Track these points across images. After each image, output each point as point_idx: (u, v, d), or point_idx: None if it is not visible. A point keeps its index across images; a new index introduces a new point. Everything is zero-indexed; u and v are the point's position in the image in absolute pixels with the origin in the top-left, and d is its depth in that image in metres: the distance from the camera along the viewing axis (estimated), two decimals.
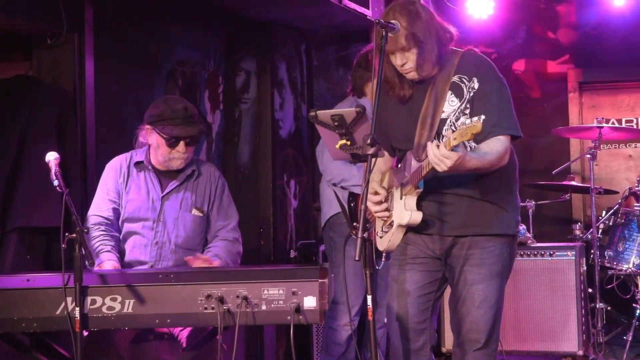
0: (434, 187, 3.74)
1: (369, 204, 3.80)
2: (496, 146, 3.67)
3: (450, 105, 3.76)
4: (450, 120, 3.75)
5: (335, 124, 3.51)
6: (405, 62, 3.72)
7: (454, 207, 3.77)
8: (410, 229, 3.82)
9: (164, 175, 4.70)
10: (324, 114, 3.54)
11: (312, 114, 3.57)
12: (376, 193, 3.83)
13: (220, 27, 7.14)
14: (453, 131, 3.67)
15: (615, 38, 8.08)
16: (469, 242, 3.79)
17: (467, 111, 3.74)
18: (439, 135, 3.74)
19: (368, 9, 7.09)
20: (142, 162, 4.69)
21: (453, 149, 3.39)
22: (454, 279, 3.84)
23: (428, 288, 3.88)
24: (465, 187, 3.75)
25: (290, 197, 7.85)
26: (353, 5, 6.93)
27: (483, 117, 3.32)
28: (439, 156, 3.41)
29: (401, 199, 3.78)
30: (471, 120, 3.35)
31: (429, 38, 3.72)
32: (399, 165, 3.92)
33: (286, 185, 7.78)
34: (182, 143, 4.57)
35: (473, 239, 3.78)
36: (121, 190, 4.66)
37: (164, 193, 4.65)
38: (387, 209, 3.85)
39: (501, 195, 3.83)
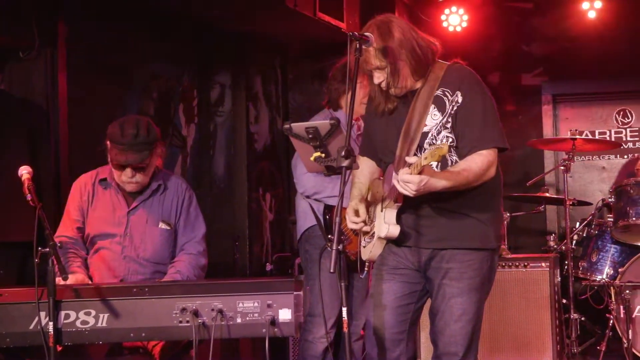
0: (413, 200, 3.71)
1: (347, 222, 3.82)
2: (476, 161, 3.67)
3: (433, 119, 3.75)
4: (432, 134, 3.74)
5: (310, 136, 3.52)
6: (381, 79, 3.73)
7: (433, 220, 3.77)
8: (390, 240, 3.82)
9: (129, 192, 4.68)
10: (298, 126, 3.55)
11: (287, 126, 3.57)
12: (357, 212, 3.80)
13: (194, 40, 7.13)
14: (434, 144, 3.69)
15: (588, 51, 8.16)
16: (448, 255, 3.77)
17: (449, 125, 3.73)
18: (420, 148, 3.73)
19: (343, 22, 7.12)
20: (106, 179, 4.68)
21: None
22: (433, 292, 3.83)
23: (407, 299, 3.87)
24: (445, 201, 3.73)
25: (266, 210, 7.84)
26: (327, 19, 6.95)
27: (450, 140, 3.36)
28: (401, 181, 3.43)
29: (382, 211, 3.78)
30: (440, 142, 3.43)
31: (401, 56, 3.72)
32: (382, 177, 3.93)
33: (262, 198, 7.77)
34: (128, 169, 4.52)
35: (452, 252, 3.77)
36: (85, 208, 4.63)
37: (130, 208, 4.63)
38: (364, 222, 3.82)
39: (482, 208, 3.82)
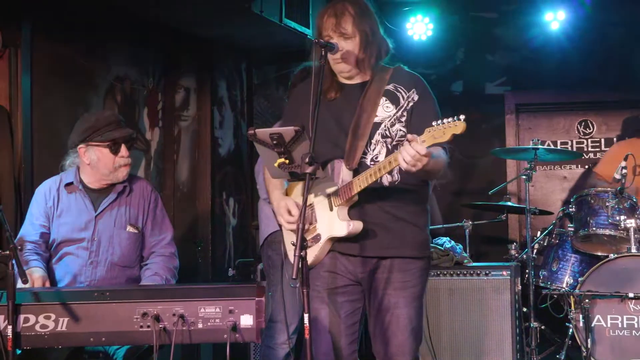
0: (358, 205, 3.72)
1: (283, 222, 3.78)
2: (441, 154, 3.68)
3: (385, 110, 3.77)
4: (385, 126, 3.75)
5: (274, 142, 3.52)
6: (342, 49, 3.73)
7: (377, 226, 3.74)
8: (334, 246, 3.77)
9: (95, 194, 4.65)
10: (263, 132, 3.54)
11: (251, 132, 3.56)
12: (289, 211, 3.74)
13: (159, 43, 7.11)
14: (386, 136, 3.70)
15: (551, 62, 8.24)
16: (390, 265, 3.76)
17: (404, 119, 3.76)
18: (371, 139, 3.73)
19: (309, 28, 7.14)
20: (72, 183, 4.65)
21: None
22: (377, 303, 3.80)
23: (353, 318, 3.85)
24: (389, 206, 3.74)
25: (229, 215, 7.83)
26: (293, 25, 6.97)
27: (463, 116, 3.32)
28: (417, 156, 3.37)
29: (332, 210, 3.73)
30: (453, 119, 3.33)
31: (372, 35, 3.77)
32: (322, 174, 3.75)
33: (225, 203, 7.75)
34: (123, 147, 4.58)
35: (394, 261, 3.76)
36: (51, 214, 4.60)
37: (98, 212, 4.60)
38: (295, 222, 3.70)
39: (419, 215, 3.85)
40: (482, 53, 8.59)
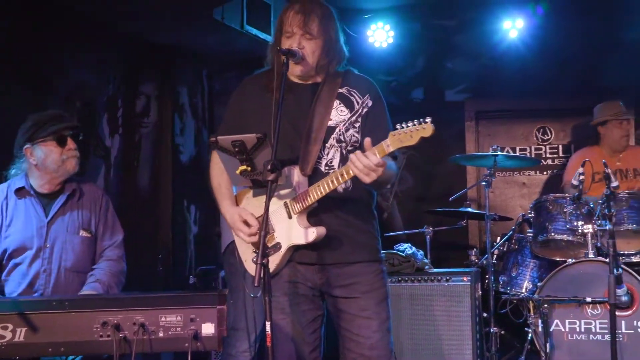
0: (313, 212, 3.72)
1: (240, 234, 3.76)
2: (392, 166, 3.70)
3: (340, 114, 3.77)
4: (340, 130, 3.76)
5: (236, 149, 3.51)
6: (303, 47, 3.73)
7: (335, 234, 3.73)
8: (293, 255, 3.76)
9: (46, 199, 4.62)
10: (225, 139, 3.53)
11: (213, 139, 3.55)
12: (247, 222, 3.72)
13: (119, 50, 7.06)
14: (341, 141, 3.70)
15: (510, 69, 8.32)
16: (350, 270, 3.76)
17: (357, 125, 3.77)
18: (325, 143, 3.73)
19: (270, 35, 7.13)
20: (22, 187, 4.61)
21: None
22: (344, 308, 3.79)
23: (314, 326, 3.85)
24: (345, 214, 3.75)
25: (190, 223, 7.79)
26: (255, 32, 6.96)
27: (429, 119, 3.31)
28: (372, 166, 3.37)
29: (290, 217, 3.72)
30: (419, 121, 3.31)
31: (335, 42, 3.80)
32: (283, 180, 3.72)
33: (186, 210, 7.72)
34: (69, 139, 4.59)
35: (353, 266, 3.76)
36: (1, 222, 4.56)
37: (49, 218, 4.57)
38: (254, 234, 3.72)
39: (370, 220, 3.86)
40: (442, 60, 8.65)
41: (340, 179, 3.54)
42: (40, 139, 4.53)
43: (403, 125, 3.36)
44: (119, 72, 7.13)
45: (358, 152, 3.41)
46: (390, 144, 3.36)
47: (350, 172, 3.48)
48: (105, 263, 4.67)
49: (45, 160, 4.54)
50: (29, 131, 4.55)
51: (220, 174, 3.87)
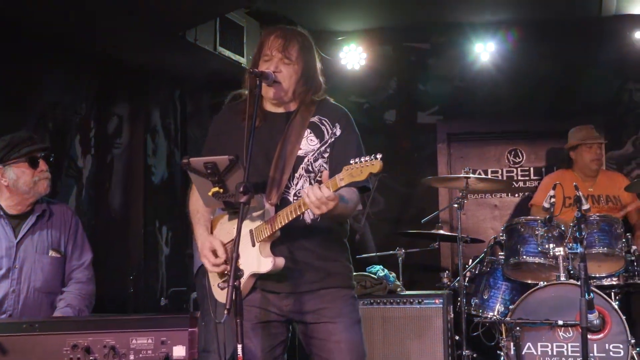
0: (279, 241, 3.70)
1: (206, 262, 3.73)
2: (353, 196, 3.68)
3: (310, 144, 3.77)
4: (308, 160, 3.75)
5: (208, 171, 3.51)
6: (280, 71, 3.73)
7: (300, 264, 3.72)
8: (261, 283, 3.74)
9: (16, 220, 4.61)
10: (197, 161, 3.53)
11: (185, 161, 3.55)
12: (215, 252, 3.70)
13: (92, 70, 7.04)
14: (309, 171, 3.71)
15: (482, 91, 8.39)
16: (319, 297, 3.75)
17: (326, 155, 3.77)
18: (294, 172, 3.73)
19: (243, 56, 7.16)
20: None
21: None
22: (314, 334, 3.78)
23: (276, 352, 3.82)
24: (314, 241, 3.74)
25: (162, 244, 7.75)
26: (228, 53, 6.98)
27: (380, 155, 3.31)
28: (323, 199, 3.37)
29: (254, 245, 3.70)
30: (370, 157, 3.31)
31: (313, 70, 3.81)
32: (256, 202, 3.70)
33: (158, 231, 7.68)
34: (42, 161, 4.60)
35: (321, 292, 3.75)
36: None
37: (18, 238, 4.55)
38: (225, 262, 3.70)
39: (340, 251, 3.85)
40: (414, 83, 8.69)
41: (298, 210, 3.53)
42: (12, 161, 4.52)
43: (357, 160, 3.35)
44: (92, 93, 7.10)
45: (315, 184, 3.42)
46: (344, 177, 3.36)
47: (305, 205, 3.47)
48: (74, 286, 4.65)
49: (17, 181, 4.53)
50: (1, 152, 4.54)
51: (197, 199, 3.86)
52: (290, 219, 3.56)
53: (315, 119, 3.81)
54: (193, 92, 8.21)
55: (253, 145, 3.52)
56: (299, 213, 3.54)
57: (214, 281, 3.86)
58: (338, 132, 3.80)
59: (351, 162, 3.36)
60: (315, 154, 3.76)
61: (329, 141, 3.78)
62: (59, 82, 6.68)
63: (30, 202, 4.63)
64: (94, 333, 3.58)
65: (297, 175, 3.74)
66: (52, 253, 4.62)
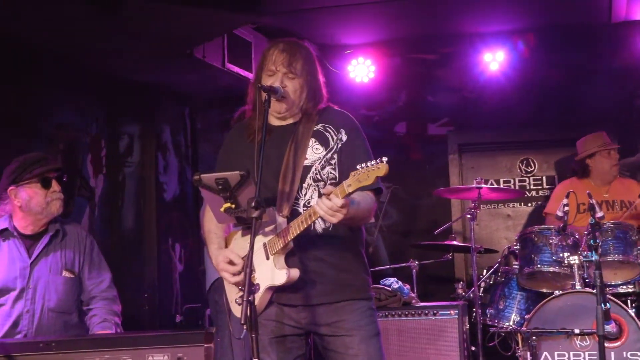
0: (296, 253, 3.69)
1: (225, 274, 3.72)
2: (366, 198, 3.67)
3: (315, 152, 3.76)
4: (316, 169, 3.74)
5: (220, 187, 3.51)
6: (285, 86, 3.74)
7: (314, 274, 3.71)
8: (277, 296, 3.73)
9: (29, 240, 4.62)
10: (208, 177, 3.53)
11: (196, 177, 3.55)
12: (231, 262, 3.70)
13: (102, 90, 7.07)
14: (318, 180, 3.70)
15: (492, 102, 8.37)
16: (335, 309, 3.73)
17: (333, 162, 3.76)
18: (302, 182, 3.72)
19: (251, 72, 7.17)
20: (6, 229, 4.61)
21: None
22: (332, 347, 3.76)
23: None
24: (327, 251, 3.72)
25: (176, 261, 7.76)
26: (236, 69, 6.99)
27: (385, 158, 3.32)
28: (335, 207, 3.36)
29: (268, 258, 3.69)
30: (376, 161, 3.32)
31: (316, 82, 3.81)
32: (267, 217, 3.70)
33: (171, 249, 7.69)
34: (54, 181, 4.61)
35: (338, 305, 3.73)
36: None
37: (32, 259, 4.56)
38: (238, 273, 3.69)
39: (353, 260, 3.82)
40: (424, 94, 8.69)
41: (309, 219, 3.52)
42: (24, 181, 4.54)
43: (363, 165, 3.35)
44: (102, 113, 7.14)
45: (323, 196, 3.40)
46: (351, 183, 3.35)
47: (315, 214, 3.48)
48: (102, 302, 4.68)
49: (29, 202, 4.55)
50: (14, 173, 4.56)
51: (210, 219, 3.86)
52: (302, 229, 3.55)
53: (319, 127, 3.81)
54: (203, 109, 8.23)
55: (263, 163, 3.51)
56: (309, 222, 3.53)
57: (232, 297, 3.84)
58: (344, 138, 3.79)
59: (357, 167, 3.36)
60: (322, 162, 3.75)
61: (335, 147, 3.77)
62: (69, 102, 6.72)
63: (44, 222, 4.64)
64: (111, 351, 3.59)
65: (305, 185, 3.74)
66: (65, 273, 4.63)
